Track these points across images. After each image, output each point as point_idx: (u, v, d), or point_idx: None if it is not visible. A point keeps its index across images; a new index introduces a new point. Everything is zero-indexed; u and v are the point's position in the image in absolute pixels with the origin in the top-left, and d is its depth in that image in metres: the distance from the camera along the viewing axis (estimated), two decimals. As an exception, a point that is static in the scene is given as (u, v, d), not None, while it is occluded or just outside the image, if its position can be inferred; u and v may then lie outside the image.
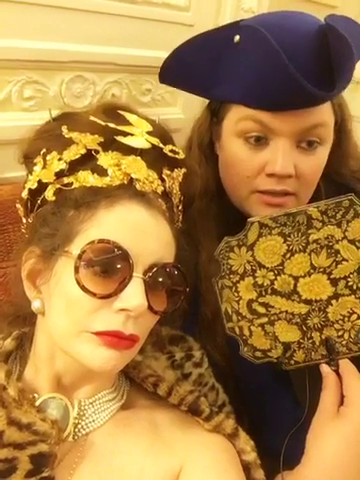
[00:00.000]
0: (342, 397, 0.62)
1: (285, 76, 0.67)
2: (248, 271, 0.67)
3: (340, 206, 0.66)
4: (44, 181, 0.59)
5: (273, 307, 0.68)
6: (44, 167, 0.59)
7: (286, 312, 0.67)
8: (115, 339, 0.53)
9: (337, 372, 0.64)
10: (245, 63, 0.73)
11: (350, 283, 0.67)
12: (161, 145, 0.62)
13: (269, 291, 0.67)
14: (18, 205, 0.64)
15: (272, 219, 0.67)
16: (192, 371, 0.69)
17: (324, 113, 0.75)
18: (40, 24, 0.88)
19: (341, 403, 0.62)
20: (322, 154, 0.79)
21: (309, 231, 0.66)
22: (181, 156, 0.64)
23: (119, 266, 0.53)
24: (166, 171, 0.62)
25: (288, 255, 0.67)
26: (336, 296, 0.67)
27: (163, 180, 0.62)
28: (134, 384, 0.66)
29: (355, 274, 0.66)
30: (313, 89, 0.68)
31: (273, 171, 0.75)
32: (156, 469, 0.56)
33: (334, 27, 0.68)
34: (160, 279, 0.56)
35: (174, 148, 0.64)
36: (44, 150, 0.60)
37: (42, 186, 0.59)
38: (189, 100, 0.86)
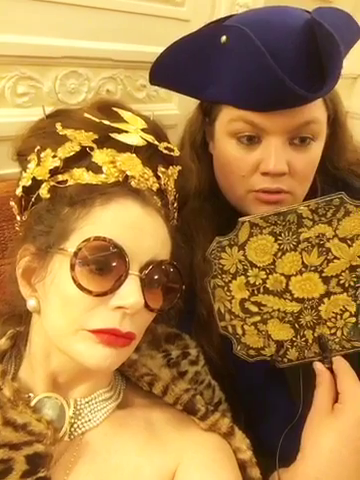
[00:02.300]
0: (336, 394, 0.62)
1: (271, 78, 0.67)
2: (240, 270, 0.68)
3: (330, 204, 0.66)
4: (38, 178, 0.58)
5: (265, 306, 0.68)
6: (38, 164, 0.58)
7: (278, 310, 0.68)
8: (112, 337, 0.52)
9: (331, 369, 0.64)
10: (232, 64, 0.73)
11: (342, 281, 0.67)
12: (156, 142, 0.61)
13: (261, 290, 0.68)
14: (12, 203, 0.63)
15: (263, 218, 0.67)
16: (188, 369, 0.69)
17: (315, 110, 0.75)
18: (33, 19, 0.87)
19: (336, 400, 0.62)
20: (315, 150, 0.78)
21: (300, 230, 0.66)
22: (176, 153, 0.64)
23: (115, 264, 0.53)
24: (161, 168, 0.62)
25: (279, 254, 0.67)
26: (328, 294, 0.67)
27: (158, 177, 0.61)
28: (130, 383, 0.65)
29: (347, 272, 0.67)
30: (300, 90, 0.67)
31: (267, 170, 0.74)
32: (152, 468, 0.56)
33: (321, 24, 0.67)
34: (156, 277, 0.56)
35: (169, 145, 0.63)
36: (38, 147, 0.59)
37: (36, 183, 0.59)
38: (184, 96, 0.86)
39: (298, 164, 0.76)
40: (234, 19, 0.81)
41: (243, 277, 0.68)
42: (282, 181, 0.76)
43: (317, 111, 0.75)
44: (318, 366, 0.65)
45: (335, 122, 0.83)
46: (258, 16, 0.78)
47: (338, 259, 0.66)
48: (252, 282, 0.68)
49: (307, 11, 0.77)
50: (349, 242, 0.66)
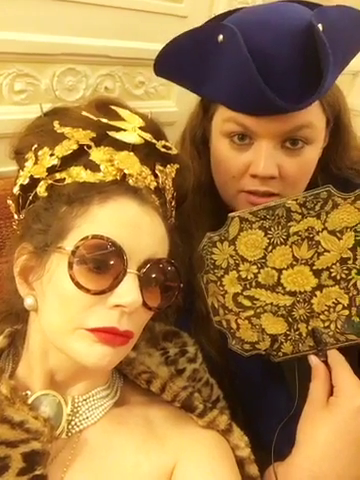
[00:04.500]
0: (331, 387, 0.63)
1: (254, 87, 0.67)
2: (231, 265, 0.68)
3: (318, 198, 0.66)
4: (36, 177, 0.58)
5: (258, 300, 0.68)
6: (36, 163, 0.58)
7: (271, 304, 0.68)
8: (110, 335, 0.52)
9: (326, 363, 0.65)
10: (226, 65, 0.72)
11: (333, 274, 0.67)
12: (154, 141, 0.61)
13: (253, 284, 0.68)
14: (9, 201, 0.63)
15: (252, 213, 0.67)
16: (186, 367, 0.68)
17: (310, 114, 0.73)
18: (31, 16, 0.87)
19: (331, 393, 0.62)
20: (309, 154, 0.77)
21: (289, 224, 0.67)
22: (174, 152, 0.64)
23: (113, 262, 0.53)
24: (159, 167, 0.62)
25: (270, 248, 0.67)
26: (320, 287, 0.67)
27: (156, 176, 0.61)
28: (128, 381, 0.65)
29: (338, 265, 0.67)
30: (281, 102, 0.66)
31: (255, 172, 0.74)
32: (150, 465, 0.56)
33: (316, 29, 0.66)
34: (154, 275, 0.56)
35: (167, 144, 0.63)
36: (36, 145, 0.59)
37: (34, 182, 0.59)
38: (183, 93, 0.85)
39: (289, 168, 0.76)
40: (233, 17, 0.80)
41: (235, 272, 0.68)
42: (271, 184, 0.76)
43: (311, 115, 0.74)
44: (313, 359, 0.66)
45: (337, 125, 0.82)
46: (257, 15, 0.76)
47: (328, 252, 0.67)
48: (244, 276, 0.68)
49: (317, 4, 0.75)
50: (338, 235, 0.66)
